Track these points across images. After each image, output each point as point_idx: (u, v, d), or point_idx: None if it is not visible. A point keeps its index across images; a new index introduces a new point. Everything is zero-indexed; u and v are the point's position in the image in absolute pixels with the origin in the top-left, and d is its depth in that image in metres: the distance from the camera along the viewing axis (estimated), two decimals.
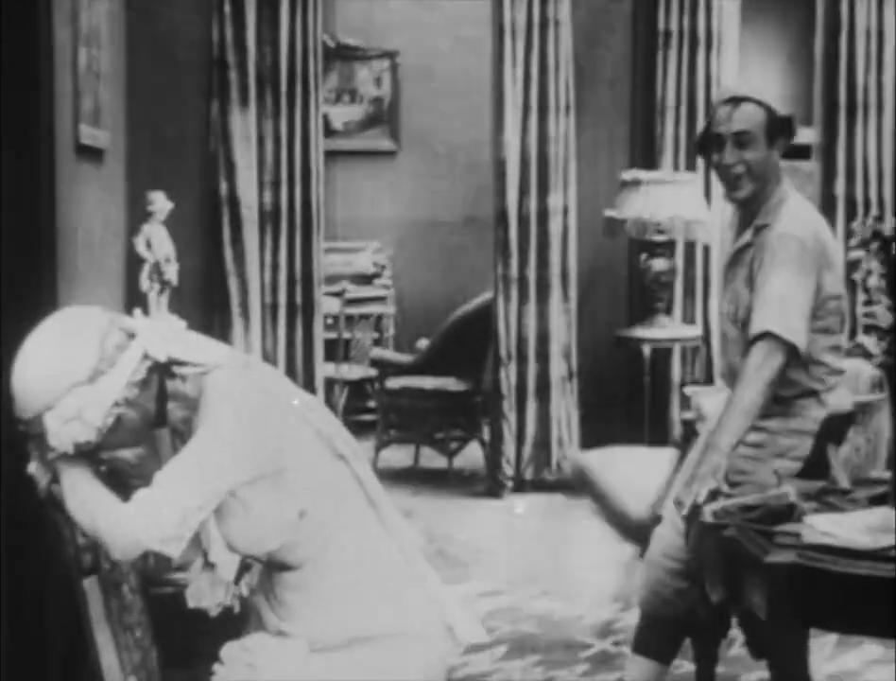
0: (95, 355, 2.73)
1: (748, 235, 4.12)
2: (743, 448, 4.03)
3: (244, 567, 2.98)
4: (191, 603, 2.94)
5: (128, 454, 3.02)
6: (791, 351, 3.95)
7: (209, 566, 2.96)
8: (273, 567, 2.95)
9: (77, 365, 2.72)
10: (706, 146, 4.21)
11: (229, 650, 2.92)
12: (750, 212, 4.14)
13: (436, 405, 8.57)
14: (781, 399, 4.07)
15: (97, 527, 2.72)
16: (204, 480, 2.74)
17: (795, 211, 4.13)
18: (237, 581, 2.99)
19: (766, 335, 3.94)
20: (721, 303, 4.24)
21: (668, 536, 4.14)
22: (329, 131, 9.71)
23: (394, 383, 8.68)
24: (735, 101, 4.14)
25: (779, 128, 4.15)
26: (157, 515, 2.70)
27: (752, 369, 3.95)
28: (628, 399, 8.15)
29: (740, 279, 4.12)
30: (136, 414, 2.78)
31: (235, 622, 3.10)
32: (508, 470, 7.97)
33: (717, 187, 8.05)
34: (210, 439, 2.75)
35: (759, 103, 4.15)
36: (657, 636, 4.24)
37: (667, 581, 4.13)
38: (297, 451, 2.86)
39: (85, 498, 2.76)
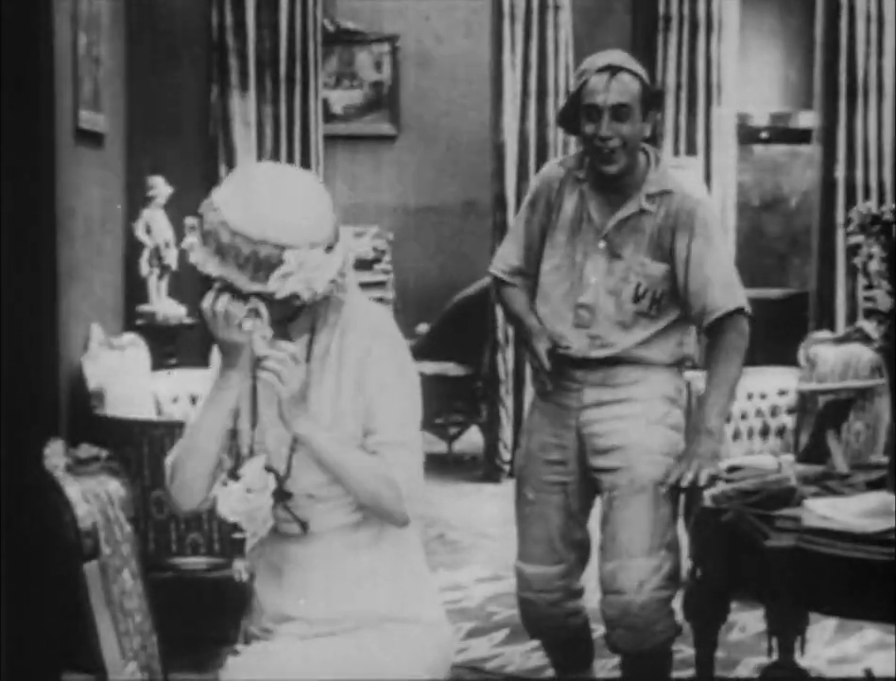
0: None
1: (635, 204, 3.99)
2: (617, 423, 4.02)
3: (279, 497, 2.91)
4: (218, 501, 2.91)
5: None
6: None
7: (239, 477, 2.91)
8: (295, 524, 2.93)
9: (332, 228, 2.82)
10: (569, 116, 4.03)
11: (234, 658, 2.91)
12: (610, 182, 4.00)
13: (435, 390, 8.56)
14: (651, 364, 4.03)
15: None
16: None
17: (681, 176, 4.11)
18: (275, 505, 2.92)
19: (736, 311, 3.93)
20: (584, 275, 4.02)
21: (533, 573, 4.14)
22: (329, 116, 9.70)
23: None
24: (611, 70, 3.93)
25: (651, 100, 4.01)
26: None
27: (732, 348, 3.92)
28: None
29: (636, 249, 3.99)
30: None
31: (236, 608, 3.10)
32: (506, 454, 7.97)
33: (718, 171, 8.07)
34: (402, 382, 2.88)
35: (634, 74, 3.95)
36: (569, 653, 4.29)
37: (553, 611, 4.15)
38: None
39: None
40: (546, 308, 4.09)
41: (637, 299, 3.99)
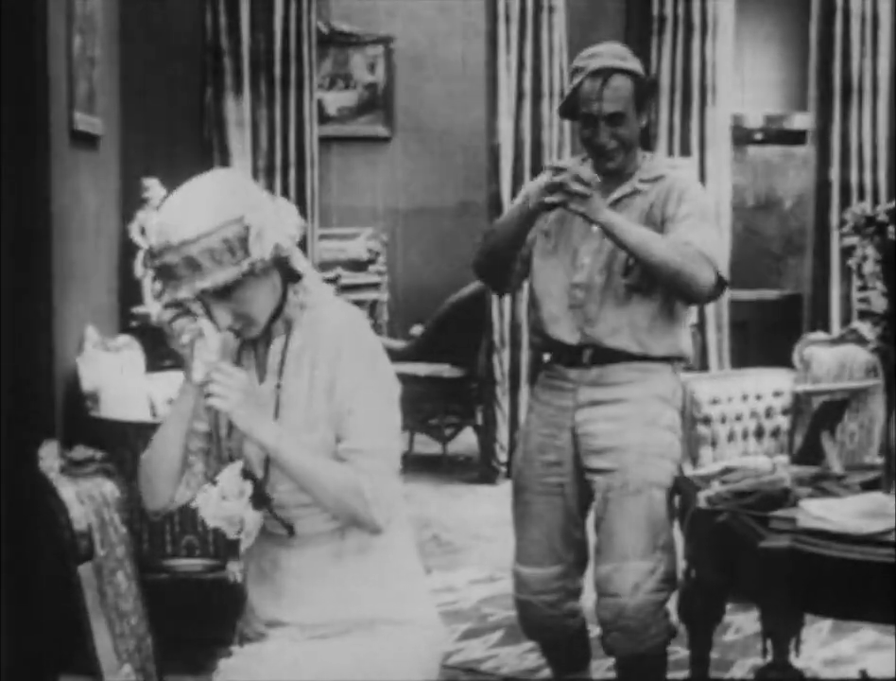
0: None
1: (629, 186, 4.02)
2: (611, 424, 4.01)
3: (259, 501, 2.91)
4: (199, 506, 2.91)
5: None
6: (719, 285, 3.94)
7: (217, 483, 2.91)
8: (284, 530, 2.92)
9: (264, 199, 2.81)
10: (569, 109, 4.05)
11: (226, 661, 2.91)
12: (607, 174, 4.01)
13: (430, 391, 8.57)
14: (642, 358, 4.01)
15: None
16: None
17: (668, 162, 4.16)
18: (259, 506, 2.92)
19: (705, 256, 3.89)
20: (578, 257, 4.03)
21: (531, 575, 4.14)
22: (323, 118, 9.69)
23: None
24: (604, 75, 3.93)
25: (646, 92, 4.01)
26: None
27: (682, 251, 3.85)
28: None
29: None
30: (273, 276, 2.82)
31: (231, 610, 3.10)
32: (502, 456, 7.97)
33: (712, 173, 8.07)
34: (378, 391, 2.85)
35: (627, 72, 3.95)
36: (567, 654, 4.28)
37: (552, 612, 4.15)
38: None
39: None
40: (544, 294, 4.09)
41: (627, 271, 3.97)
